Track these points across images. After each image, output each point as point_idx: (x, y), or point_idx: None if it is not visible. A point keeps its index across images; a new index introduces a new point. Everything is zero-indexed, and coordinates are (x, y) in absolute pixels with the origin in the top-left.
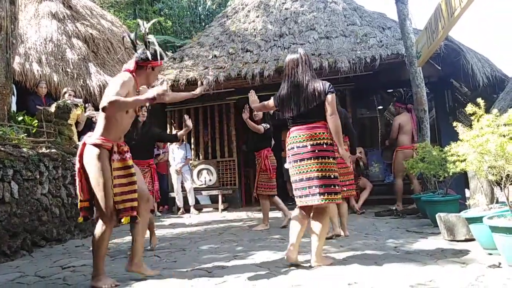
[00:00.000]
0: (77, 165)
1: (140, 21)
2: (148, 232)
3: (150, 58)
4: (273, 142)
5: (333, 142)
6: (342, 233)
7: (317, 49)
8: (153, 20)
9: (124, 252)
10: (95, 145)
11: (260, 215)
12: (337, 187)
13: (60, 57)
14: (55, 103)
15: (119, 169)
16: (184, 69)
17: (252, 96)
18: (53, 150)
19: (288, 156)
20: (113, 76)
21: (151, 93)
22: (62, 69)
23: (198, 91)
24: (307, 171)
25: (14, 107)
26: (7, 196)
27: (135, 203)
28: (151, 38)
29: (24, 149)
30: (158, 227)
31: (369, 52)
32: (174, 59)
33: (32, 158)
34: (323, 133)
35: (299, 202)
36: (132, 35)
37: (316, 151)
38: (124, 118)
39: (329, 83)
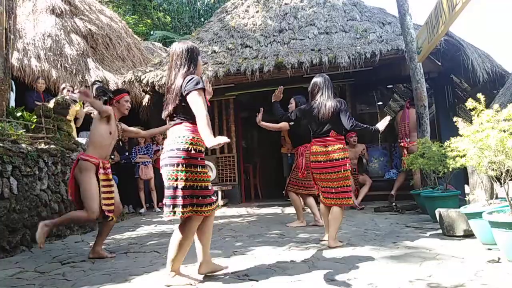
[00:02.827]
0: (71, 175)
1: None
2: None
3: (111, 96)
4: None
5: (195, 147)
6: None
7: (317, 44)
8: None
9: (124, 248)
10: (85, 160)
11: (258, 211)
12: (189, 199)
13: (58, 52)
14: (54, 98)
15: (103, 181)
16: None
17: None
18: (52, 146)
19: None
20: (112, 72)
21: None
22: (60, 64)
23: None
24: (167, 178)
25: (12, 103)
26: (6, 192)
27: (112, 207)
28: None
29: (23, 145)
30: (158, 223)
31: (369, 48)
32: None
33: (31, 154)
34: (179, 136)
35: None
36: (100, 85)
37: (167, 157)
38: (106, 139)
39: (191, 78)
